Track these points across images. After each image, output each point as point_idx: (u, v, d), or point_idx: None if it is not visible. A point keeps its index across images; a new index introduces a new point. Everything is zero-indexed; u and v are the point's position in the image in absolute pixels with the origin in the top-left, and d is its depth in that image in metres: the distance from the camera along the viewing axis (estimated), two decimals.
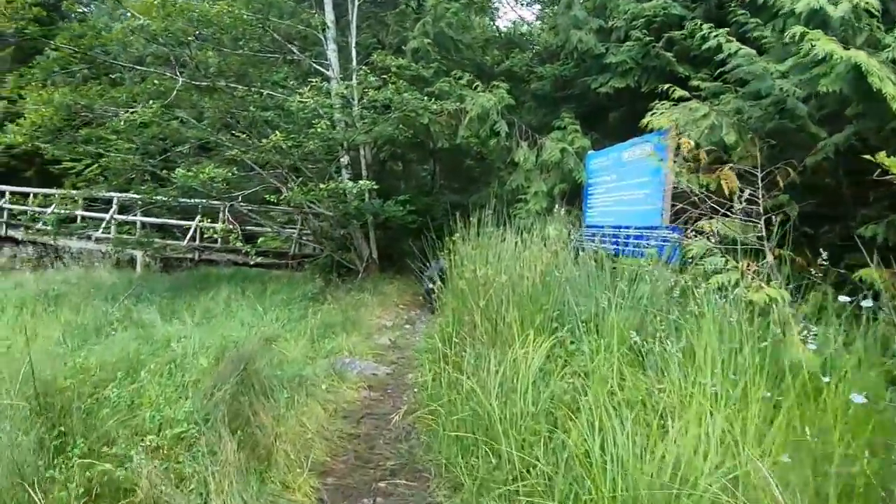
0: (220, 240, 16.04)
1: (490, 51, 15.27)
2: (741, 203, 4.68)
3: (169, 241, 16.33)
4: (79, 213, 17.80)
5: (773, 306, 3.62)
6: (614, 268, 5.08)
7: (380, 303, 9.76)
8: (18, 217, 17.60)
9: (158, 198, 11.23)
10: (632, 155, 7.13)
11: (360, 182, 9.81)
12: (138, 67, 11.09)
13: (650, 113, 6.75)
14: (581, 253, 5.64)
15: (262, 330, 7.21)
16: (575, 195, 9.24)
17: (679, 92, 7.16)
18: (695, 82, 7.32)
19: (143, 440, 3.82)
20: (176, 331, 7.26)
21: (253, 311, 8.35)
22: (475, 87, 10.41)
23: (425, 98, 9.95)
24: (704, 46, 7.09)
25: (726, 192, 4.72)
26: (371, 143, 11.96)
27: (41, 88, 9.94)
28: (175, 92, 9.91)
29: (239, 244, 9.57)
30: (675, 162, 6.31)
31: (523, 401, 3.43)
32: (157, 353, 6.16)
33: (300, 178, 10.45)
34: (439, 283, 6.37)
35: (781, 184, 5.44)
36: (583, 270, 5.02)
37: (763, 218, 4.59)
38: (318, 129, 9.22)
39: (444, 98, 10.24)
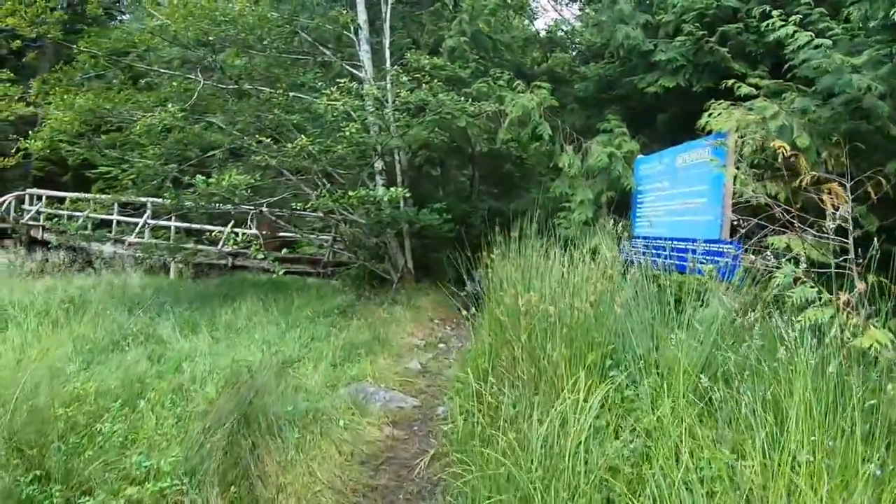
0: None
1: (530, 51, 14.56)
2: (834, 219, 3.86)
3: (200, 247, 16.04)
4: (113, 217, 17.84)
5: (880, 352, 2.94)
6: (661, 287, 4.37)
7: (413, 318, 9.12)
8: (52, 221, 17.56)
9: (187, 203, 10.80)
10: (687, 160, 6.53)
11: (392, 189, 9.17)
12: (164, 71, 10.69)
13: (707, 113, 6.16)
14: (631, 269, 4.98)
15: (282, 351, 6.66)
16: (622, 203, 8.52)
17: (745, 88, 6.42)
18: (752, 80, 6.60)
19: (124, 490, 3.30)
20: (191, 349, 6.82)
21: (276, 327, 7.80)
22: (515, 87, 9.69)
23: (462, 99, 9.27)
24: (771, 38, 6.34)
25: (829, 207, 3.88)
26: (406, 147, 11.35)
27: (65, 93, 9.59)
28: (195, 95, 9.47)
29: (260, 256, 8.95)
30: (737, 168, 5.56)
31: (572, 469, 2.73)
32: (164, 376, 5.68)
33: (330, 185, 9.89)
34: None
35: (874, 195, 4.69)
36: (638, 293, 4.30)
37: (852, 236, 3.78)
38: (348, 133, 8.62)
39: (482, 99, 9.54)
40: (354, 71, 11.73)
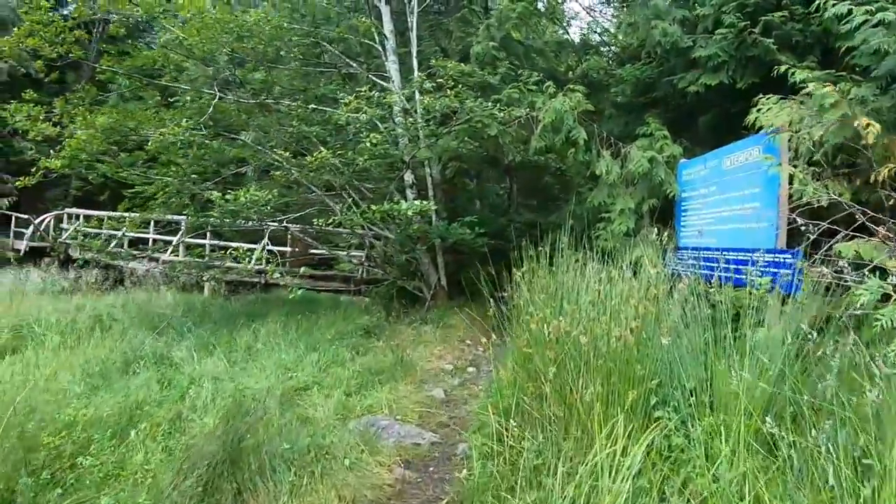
0: (287, 263, 15.62)
1: (563, 57, 13.92)
2: None
3: (232, 264, 15.88)
4: (149, 235, 17.89)
5: None
6: (714, 305, 3.77)
7: (442, 338, 8.56)
8: (84, 240, 17.77)
9: (213, 220, 10.48)
10: (735, 161, 6.01)
11: (417, 202, 8.65)
12: (184, 87, 10.38)
13: (755, 109, 5.69)
14: (677, 284, 4.32)
15: (296, 376, 6.19)
16: (664, 212, 7.94)
17: (800, 73, 5.79)
18: (801, 74, 5.90)
19: None
20: (202, 373, 6.42)
21: (295, 350, 7.33)
22: (547, 89, 9.13)
23: (490, 105, 8.72)
24: (820, 23, 6.08)
25: None
26: (436, 158, 10.85)
27: (87, 112, 9.42)
28: (211, 108, 9.14)
29: (277, 275, 8.56)
30: (794, 166, 4.99)
31: None
32: (165, 403, 5.26)
33: (351, 199, 9.45)
34: None
35: None
36: (687, 313, 3.67)
37: None
38: (369, 143, 8.15)
39: (513, 106, 8.97)
40: (382, 82, 11.32)
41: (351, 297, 14.06)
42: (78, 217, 19.88)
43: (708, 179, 6.66)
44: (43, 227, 19.96)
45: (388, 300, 11.05)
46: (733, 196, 5.98)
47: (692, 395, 3.02)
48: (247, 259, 9.32)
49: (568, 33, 15.53)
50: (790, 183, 4.92)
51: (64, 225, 20.21)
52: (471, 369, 7.27)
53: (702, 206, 6.81)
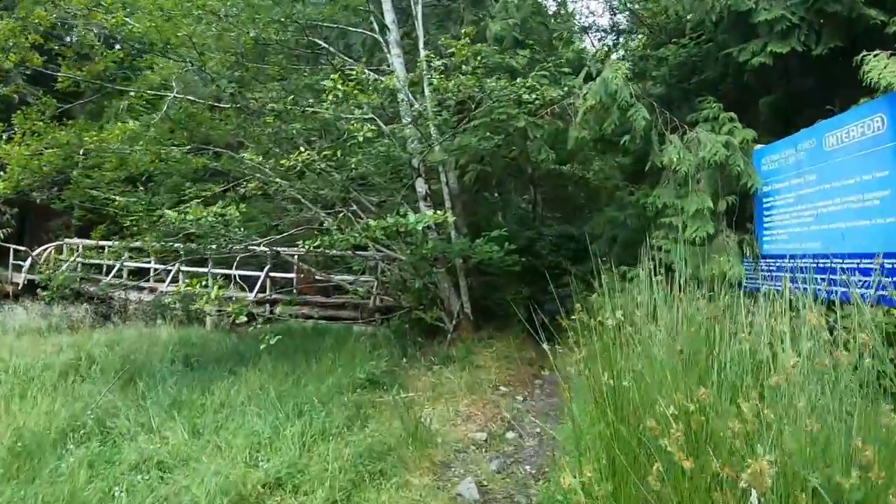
0: (295, 291, 14.64)
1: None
2: None
3: (235, 294, 14.46)
4: (150, 265, 16.56)
5: None
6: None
7: (469, 385, 6.70)
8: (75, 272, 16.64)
9: (174, 245, 8.77)
10: (845, 138, 4.84)
11: (430, 212, 6.85)
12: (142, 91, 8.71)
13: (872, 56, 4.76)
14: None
15: (271, 459, 4.43)
16: (735, 212, 6.32)
17: None
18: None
19: None
20: (149, 453, 4.86)
21: (276, 413, 5.54)
22: (584, 70, 7.37)
23: (518, 84, 6.91)
24: None
25: None
26: (452, 162, 9.06)
27: (30, 129, 7.88)
28: (164, 109, 7.49)
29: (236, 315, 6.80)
30: None
31: None
32: None
33: (343, 214, 7.68)
34: None
35: None
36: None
37: None
38: (362, 138, 6.31)
39: (545, 87, 7.17)
40: (383, 79, 9.57)
41: (363, 327, 12.35)
42: (77, 248, 18.72)
43: (801, 166, 5.42)
44: (42, 259, 18.83)
45: (402, 335, 9.18)
46: (846, 184, 4.78)
47: None
48: (203, 290, 7.44)
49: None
50: None
51: (63, 256, 19.08)
52: (511, 435, 5.33)
53: (794, 200, 5.52)
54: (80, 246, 18.82)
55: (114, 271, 17.10)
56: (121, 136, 6.91)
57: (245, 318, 7.20)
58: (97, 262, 17.00)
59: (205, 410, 6.18)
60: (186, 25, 7.19)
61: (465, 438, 5.09)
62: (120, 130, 6.90)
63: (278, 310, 14.00)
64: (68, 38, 13.75)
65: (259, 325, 7.97)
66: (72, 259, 17.93)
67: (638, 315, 3.34)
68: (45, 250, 19.40)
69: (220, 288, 7.23)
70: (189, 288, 7.18)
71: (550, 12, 11.03)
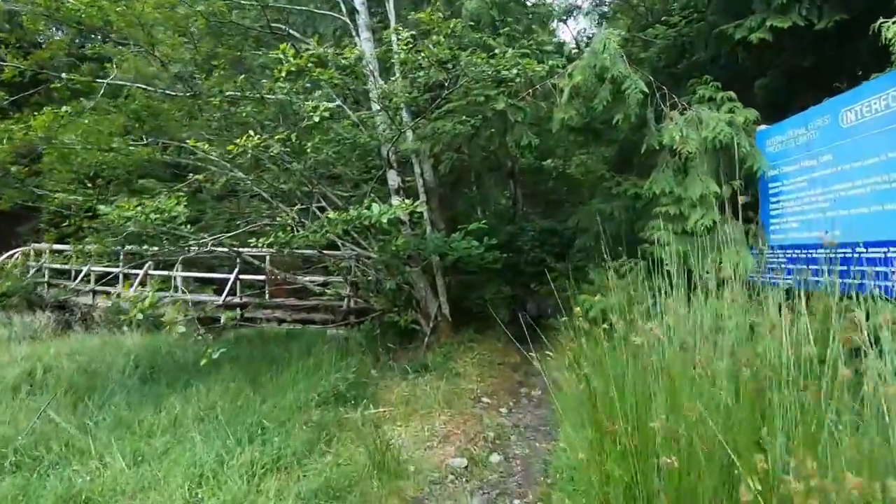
0: (267, 295, 14.10)
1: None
2: None
3: (203, 297, 13.87)
4: (119, 269, 15.78)
5: None
6: None
7: (448, 396, 6.00)
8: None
9: (112, 243, 8.01)
10: (865, 113, 4.37)
11: (396, 202, 6.15)
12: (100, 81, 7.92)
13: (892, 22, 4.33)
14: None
15: (212, 497, 3.73)
16: (737, 198, 5.68)
17: None
18: None
19: None
20: (78, 489, 4.27)
21: (226, 437, 4.82)
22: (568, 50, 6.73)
23: (497, 57, 6.24)
24: None
25: None
26: (426, 153, 8.36)
27: None
28: (100, 94, 6.73)
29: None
30: None
31: None
32: None
33: (297, 209, 6.93)
34: None
35: None
36: None
37: None
38: (318, 118, 5.57)
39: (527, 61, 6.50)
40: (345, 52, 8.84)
41: (336, 330, 11.66)
42: (40, 254, 18.07)
43: (813, 146, 4.99)
44: (9, 265, 17.96)
45: (374, 340, 8.45)
46: (867, 164, 4.36)
47: None
48: (136, 293, 6.66)
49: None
50: None
51: (31, 262, 18.25)
52: (495, 458, 4.62)
53: (806, 184, 5.08)
54: (47, 251, 18.00)
55: (80, 276, 16.24)
56: (47, 124, 6.12)
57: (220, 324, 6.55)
58: (60, 266, 16.10)
59: (152, 433, 5.48)
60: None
61: (442, 465, 4.37)
62: (47, 118, 6.11)
63: (247, 314, 13.32)
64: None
65: (215, 335, 7.21)
66: (32, 264, 17.32)
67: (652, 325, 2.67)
68: (10, 256, 18.46)
69: (157, 290, 6.44)
70: (125, 290, 6.45)
71: None
